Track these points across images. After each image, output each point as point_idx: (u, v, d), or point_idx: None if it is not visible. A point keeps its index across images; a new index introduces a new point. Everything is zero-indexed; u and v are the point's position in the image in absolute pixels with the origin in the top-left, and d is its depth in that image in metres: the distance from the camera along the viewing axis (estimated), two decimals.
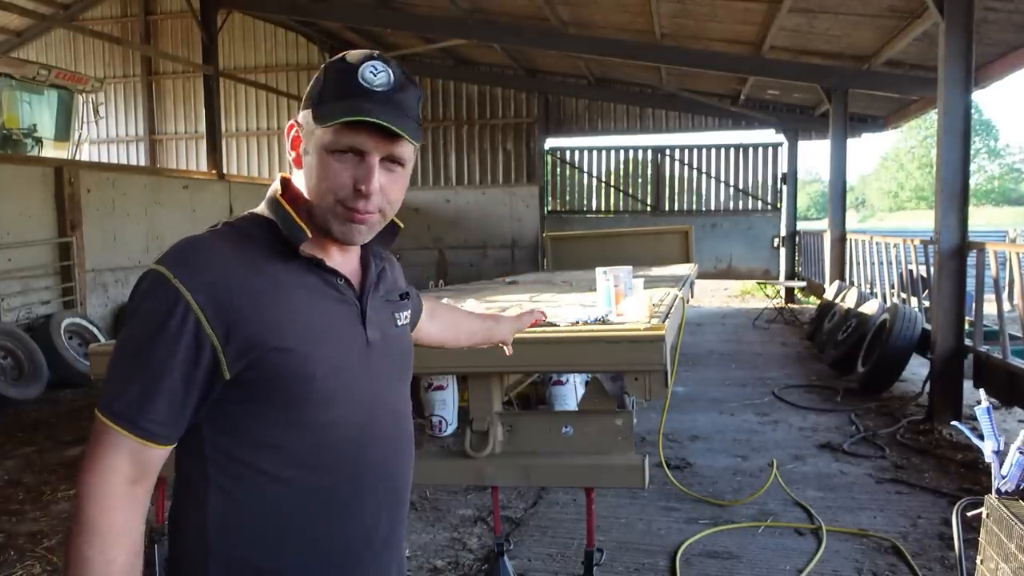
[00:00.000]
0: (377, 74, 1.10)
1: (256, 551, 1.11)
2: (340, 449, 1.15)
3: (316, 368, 1.10)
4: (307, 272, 1.14)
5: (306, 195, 1.15)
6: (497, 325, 1.85)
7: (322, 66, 1.15)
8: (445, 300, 2.34)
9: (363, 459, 1.18)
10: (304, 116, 1.14)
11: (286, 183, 1.19)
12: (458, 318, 1.80)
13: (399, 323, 1.30)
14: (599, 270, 3.07)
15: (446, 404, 2.96)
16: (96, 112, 11.85)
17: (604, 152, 15.28)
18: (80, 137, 11.72)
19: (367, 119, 1.07)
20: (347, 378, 1.15)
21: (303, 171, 1.15)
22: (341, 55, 1.14)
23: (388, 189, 1.13)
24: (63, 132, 11.39)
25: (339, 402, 1.14)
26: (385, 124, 1.07)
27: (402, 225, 1.28)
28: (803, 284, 13.30)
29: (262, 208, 1.18)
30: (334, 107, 1.08)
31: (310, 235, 1.13)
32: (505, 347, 1.89)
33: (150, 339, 1.04)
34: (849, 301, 8.56)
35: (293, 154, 1.17)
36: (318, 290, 1.15)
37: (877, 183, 59.98)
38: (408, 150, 1.14)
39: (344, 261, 1.21)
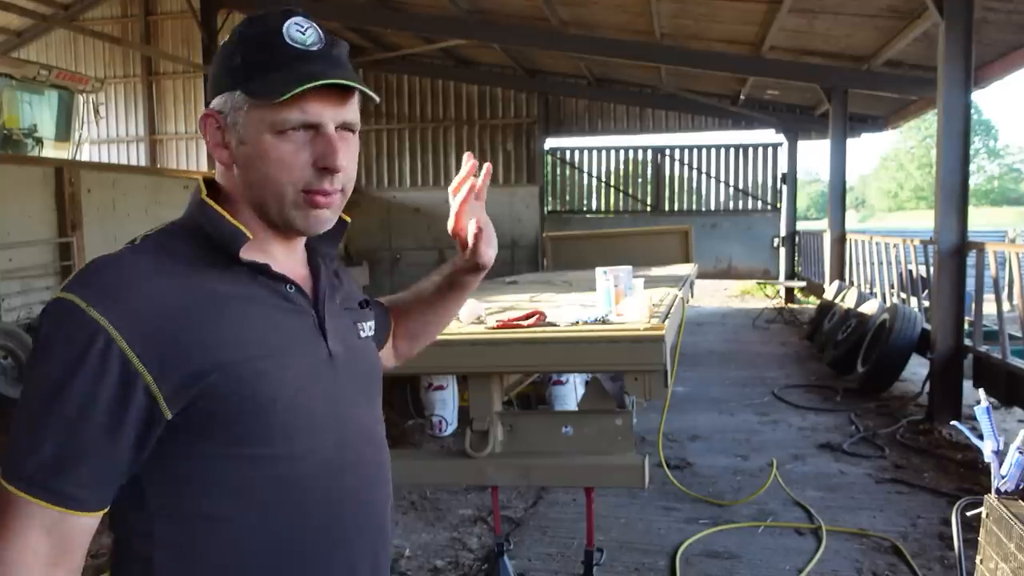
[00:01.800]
0: (305, 31, 0.95)
1: None
2: (310, 482, 0.98)
3: (275, 392, 0.94)
4: (250, 282, 0.97)
5: (248, 191, 0.98)
6: (455, 273, 1.31)
7: (230, 36, 0.97)
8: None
9: (338, 491, 1.01)
10: (224, 100, 0.96)
11: (210, 183, 1.02)
12: (417, 312, 1.39)
13: (362, 334, 1.14)
14: (599, 270, 3.07)
15: (446, 404, 2.97)
16: (96, 112, 11.85)
17: (604, 152, 15.28)
18: (80, 137, 11.72)
19: (323, 82, 0.92)
20: (311, 399, 0.98)
21: (238, 165, 0.97)
22: (247, 18, 0.98)
23: (346, 163, 0.98)
24: (63, 132, 11.39)
25: (303, 429, 0.97)
26: (346, 83, 0.94)
27: (349, 220, 1.10)
28: (803, 284, 13.30)
29: (187, 215, 1.00)
30: (272, 79, 0.91)
31: (251, 236, 0.97)
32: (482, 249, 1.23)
33: (64, 383, 0.84)
34: (849, 301, 8.56)
35: (219, 150, 0.98)
36: (265, 301, 0.98)
37: (877, 183, 59.97)
38: (357, 113, 1.00)
39: (291, 266, 1.04)
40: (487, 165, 1.21)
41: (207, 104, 0.99)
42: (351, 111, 0.98)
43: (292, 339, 0.99)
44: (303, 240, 1.06)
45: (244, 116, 0.94)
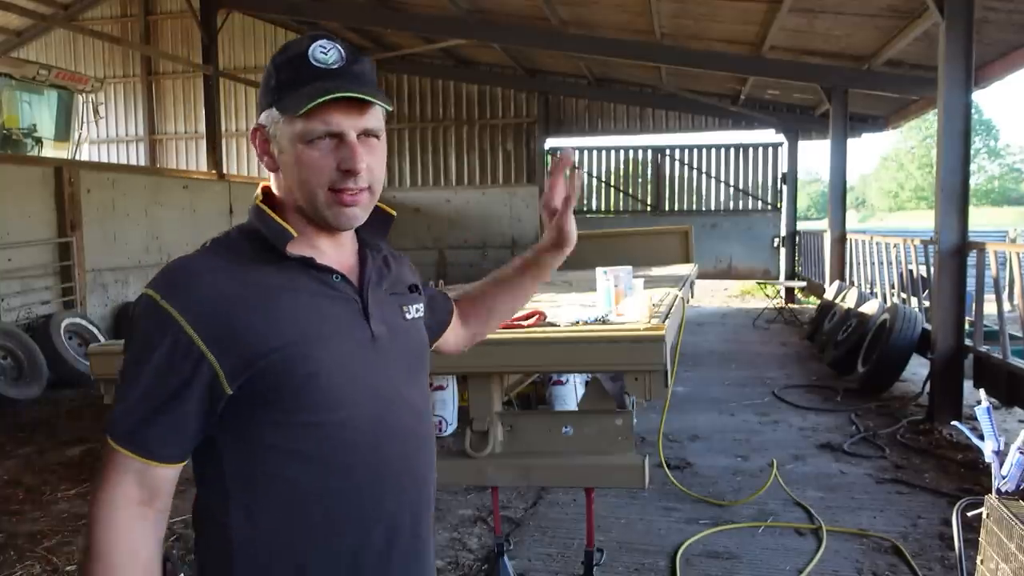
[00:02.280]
0: (328, 52, 1.09)
1: (283, 561, 1.10)
2: (356, 447, 1.13)
3: (319, 367, 1.09)
4: (298, 274, 1.12)
5: (289, 194, 1.13)
6: (540, 259, 1.49)
7: (269, 62, 1.13)
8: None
9: (381, 455, 1.16)
10: (266, 116, 1.12)
11: (266, 190, 1.18)
12: (492, 298, 1.55)
13: (408, 316, 1.26)
14: (599, 270, 3.07)
15: (446, 404, 2.96)
16: (96, 112, 11.85)
17: (604, 152, 15.29)
18: (80, 137, 11.73)
19: (337, 95, 1.05)
20: (354, 374, 1.13)
21: (281, 171, 1.13)
22: (283, 46, 1.13)
23: (371, 165, 1.12)
24: (63, 132, 11.39)
25: (348, 399, 1.12)
26: (358, 96, 1.07)
27: (394, 213, 1.26)
28: (803, 284, 13.30)
29: (248, 219, 1.17)
30: (297, 95, 1.06)
31: (296, 234, 1.12)
32: (567, 228, 1.43)
33: (145, 361, 1.05)
34: (849, 301, 8.56)
35: (265, 159, 1.15)
36: (313, 290, 1.12)
37: (877, 183, 59.96)
38: (380, 120, 1.13)
39: (339, 257, 1.18)
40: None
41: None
42: (372, 119, 1.11)
43: (335, 323, 1.13)
44: (350, 234, 1.20)
45: (280, 129, 1.10)
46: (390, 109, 1.14)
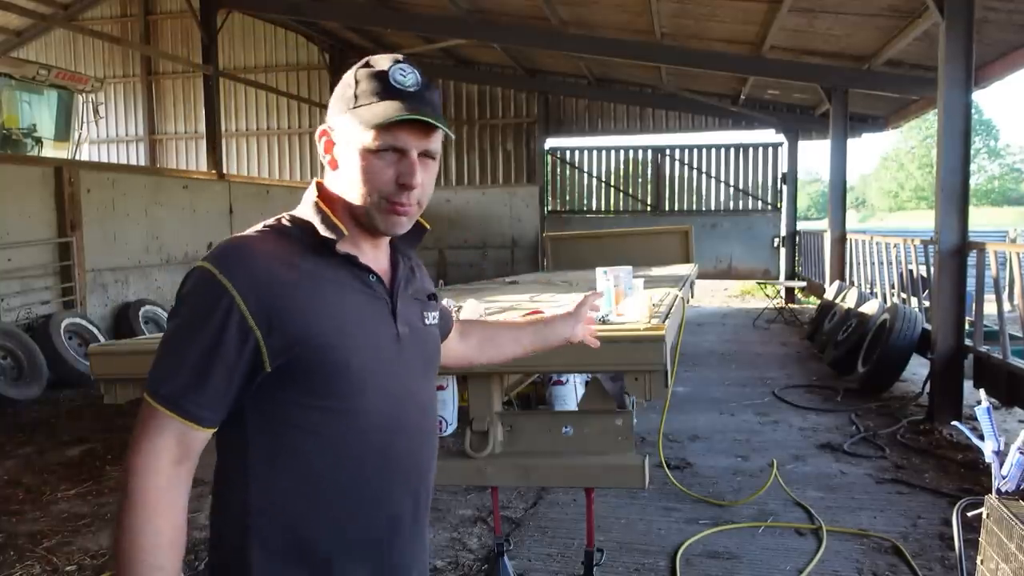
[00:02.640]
0: (406, 75, 1.19)
1: (294, 533, 1.17)
2: (371, 436, 1.21)
3: (351, 357, 1.17)
4: (341, 269, 1.20)
5: (345, 195, 1.21)
6: (549, 325, 1.73)
7: (350, 71, 1.22)
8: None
9: (391, 447, 1.23)
10: (338, 121, 1.21)
11: (320, 186, 1.26)
12: (496, 329, 1.74)
13: (427, 321, 1.36)
14: (599, 270, 3.06)
15: (446, 404, 2.95)
16: (96, 112, 11.85)
17: (604, 152, 15.28)
18: (80, 137, 11.72)
19: (410, 117, 1.15)
20: (378, 369, 1.21)
21: (340, 172, 1.21)
22: (365, 60, 1.22)
23: (425, 182, 1.22)
24: (63, 132, 11.39)
25: (370, 391, 1.20)
26: (430, 120, 1.17)
27: (429, 227, 1.35)
28: (803, 284, 13.30)
29: (300, 210, 1.24)
30: (375, 109, 1.16)
31: (346, 233, 1.20)
32: (589, 340, 1.76)
33: (198, 330, 1.10)
34: (849, 301, 8.56)
35: (328, 157, 1.23)
36: (352, 286, 1.21)
37: (877, 183, 59.96)
38: (439, 144, 1.23)
39: (376, 259, 1.27)
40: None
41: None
42: (434, 142, 1.21)
43: (368, 318, 1.22)
44: (387, 240, 1.29)
45: (350, 135, 1.18)
46: (452, 138, 1.25)
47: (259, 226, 1.22)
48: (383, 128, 1.15)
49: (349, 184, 1.20)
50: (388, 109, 1.15)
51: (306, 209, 1.23)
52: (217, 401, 1.12)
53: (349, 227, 1.22)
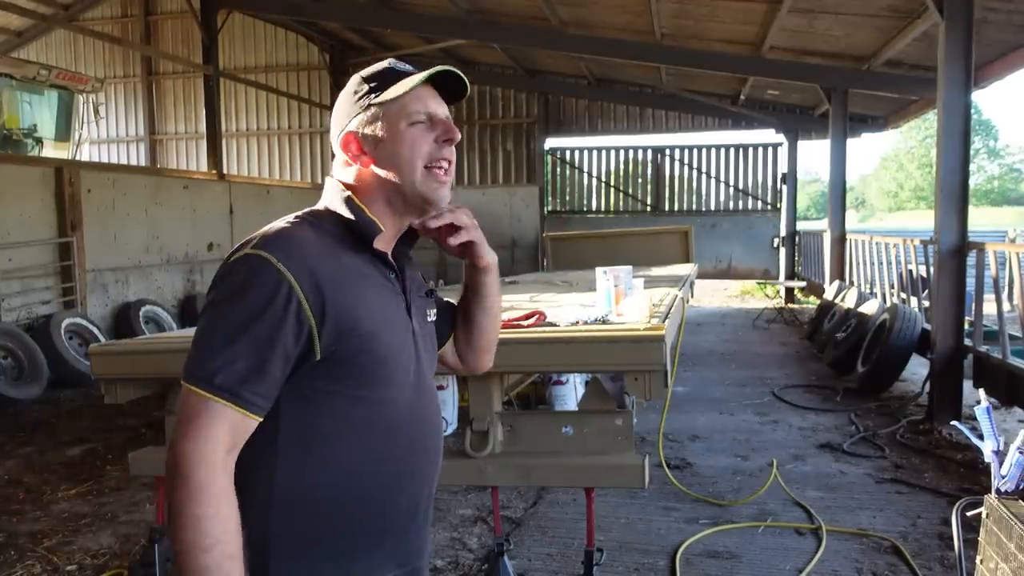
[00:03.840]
0: (404, 64, 1.29)
1: (319, 521, 1.18)
2: (397, 426, 1.25)
3: (386, 351, 1.21)
4: (370, 264, 1.25)
5: (386, 183, 1.24)
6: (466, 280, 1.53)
7: (351, 82, 1.29)
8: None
9: (412, 435, 1.28)
10: (357, 122, 1.25)
11: (346, 184, 1.28)
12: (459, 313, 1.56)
13: (429, 318, 1.41)
14: (599, 270, 3.07)
15: (446, 404, 2.96)
16: (96, 112, 11.86)
17: (604, 152, 15.29)
18: (80, 137, 11.73)
19: (440, 69, 1.24)
20: (403, 362, 1.26)
21: (377, 163, 1.24)
22: (364, 70, 1.29)
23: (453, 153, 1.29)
24: (63, 132, 11.39)
25: (396, 382, 1.24)
26: (455, 72, 1.25)
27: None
28: (803, 284, 13.30)
29: (331, 205, 1.26)
30: (396, 88, 1.23)
31: (383, 229, 1.24)
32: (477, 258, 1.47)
33: (257, 318, 1.09)
34: (849, 301, 8.56)
35: (362, 157, 1.26)
36: (379, 281, 1.25)
37: (877, 183, 59.95)
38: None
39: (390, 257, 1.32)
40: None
41: (338, 135, 1.28)
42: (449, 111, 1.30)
43: (394, 313, 1.26)
44: (396, 239, 1.33)
45: (380, 121, 1.24)
46: (466, 94, 1.33)
47: (289, 218, 1.23)
48: (409, 101, 1.22)
49: (393, 165, 1.23)
50: (408, 81, 1.23)
51: (337, 204, 1.25)
52: (273, 389, 1.12)
53: (386, 220, 1.26)
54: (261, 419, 1.13)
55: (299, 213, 1.25)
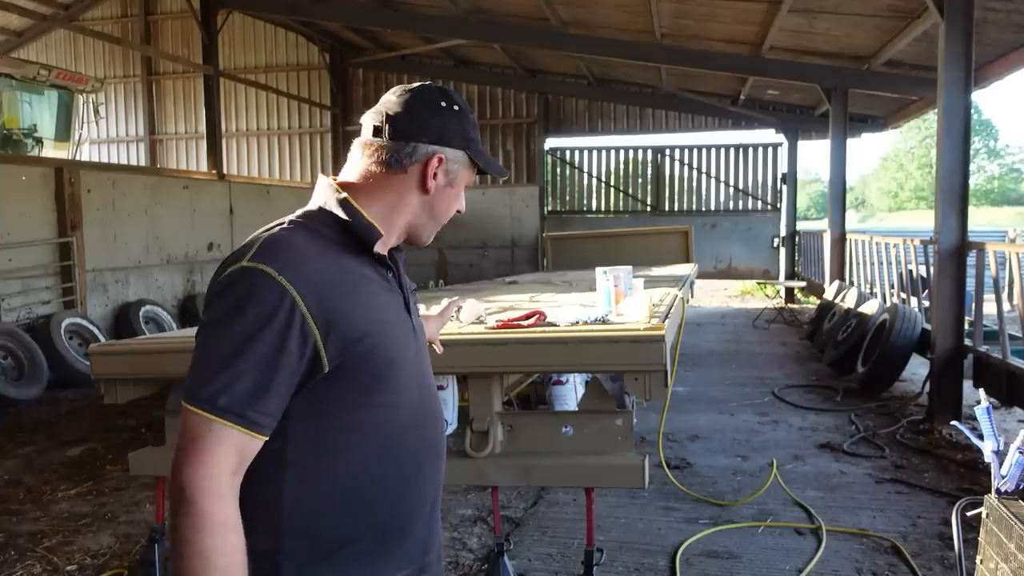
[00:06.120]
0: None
1: (329, 526, 1.16)
2: (406, 427, 1.24)
3: (393, 354, 1.20)
4: (370, 266, 1.23)
5: (417, 212, 1.28)
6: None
7: (464, 109, 1.30)
8: (444, 300, 2.32)
9: (421, 435, 1.27)
10: (454, 154, 1.27)
11: (342, 185, 1.25)
12: None
13: (417, 316, 1.41)
14: (599, 270, 3.07)
15: (446, 404, 2.96)
16: (96, 112, 11.85)
17: (604, 152, 15.28)
18: (80, 137, 11.72)
19: (504, 176, 1.48)
20: (408, 362, 1.25)
21: (431, 195, 1.27)
22: (454, 95, 1.30)
23: None
24: (63, 132, 11.39)
25: (403, 385, 1.23)
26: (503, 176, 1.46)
27: None
28: (803, 284, 13.30)
29: (326, 206, 1.23)
30: (485, 157, 1.32)
31: (383, 233, 1.23)
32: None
33: (259, 334, 1.06)
34: (849, 301, 8.56)
35: (431, 182, 1.26)
36: (379, 283, 1.24)
37: (877, 183, 59.95)
38: None
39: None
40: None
41: (423, 137, 1.26)
42: None
43: (396, 314, 1.26)
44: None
45: (458, 170, 1.29)
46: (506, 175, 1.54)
47: (284, 223, 1.19)
48: (472, 171, 1.32)
49: (432, 212, 1.29)
50: (493, 162, 1.33)
51: (332, 205, 1.22)
52: (279, 407, 1.09)
53: (386, 230, 1.26)
54: (268, 438, 1.09)
55: (292, 216, 1.21)
